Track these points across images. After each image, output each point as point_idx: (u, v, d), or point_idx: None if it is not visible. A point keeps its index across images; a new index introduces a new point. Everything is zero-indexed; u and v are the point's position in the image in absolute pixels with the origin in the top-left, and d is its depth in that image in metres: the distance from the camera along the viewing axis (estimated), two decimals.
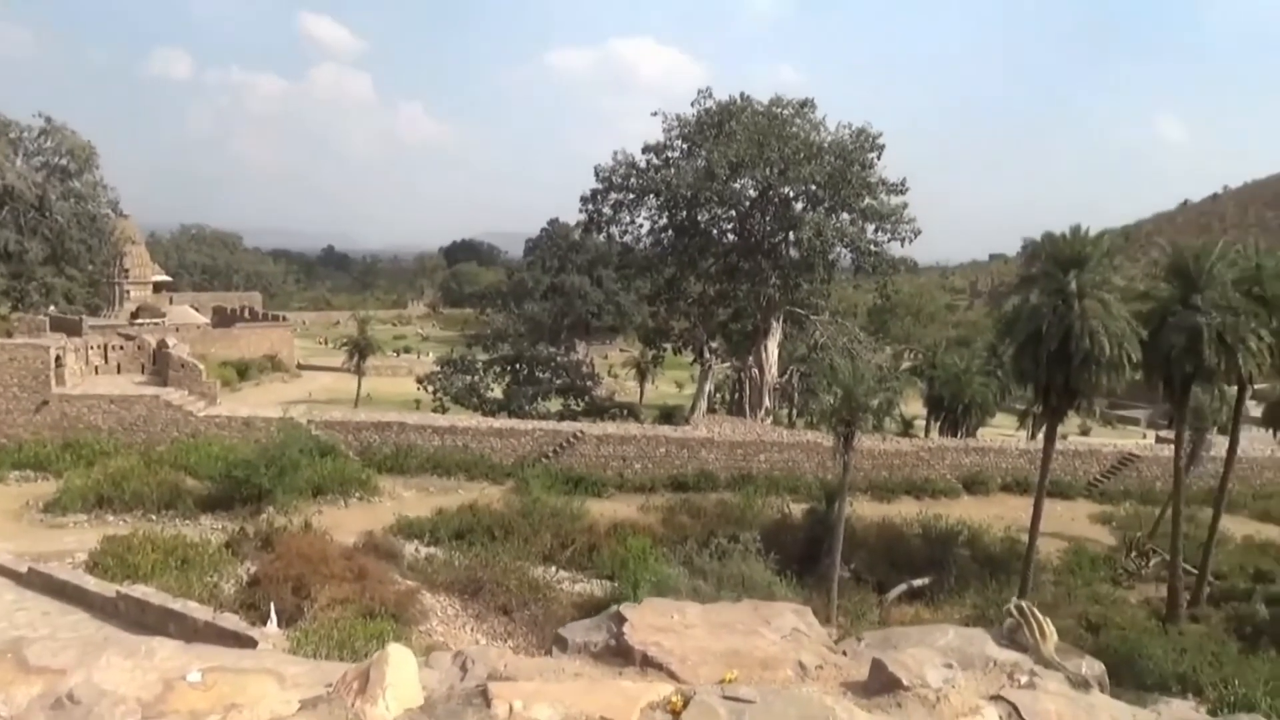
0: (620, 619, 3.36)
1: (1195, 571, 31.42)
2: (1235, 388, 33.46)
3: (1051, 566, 33.05)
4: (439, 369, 59.52)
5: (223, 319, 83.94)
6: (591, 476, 39.33)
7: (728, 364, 57.50)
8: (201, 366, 46.51)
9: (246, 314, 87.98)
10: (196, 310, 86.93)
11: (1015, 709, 2.55)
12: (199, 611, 17.95)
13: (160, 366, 46.47)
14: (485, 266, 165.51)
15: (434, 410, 53.49)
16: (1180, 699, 23.40)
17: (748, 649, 3.06)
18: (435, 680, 3.14)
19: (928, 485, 41.38)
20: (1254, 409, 50.76)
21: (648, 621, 3.32)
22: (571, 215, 65.18)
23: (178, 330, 67.06)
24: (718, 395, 61.49)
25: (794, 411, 59.60)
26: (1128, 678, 24.25)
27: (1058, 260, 30.29)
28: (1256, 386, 37.15)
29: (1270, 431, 51.95)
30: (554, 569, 28.82)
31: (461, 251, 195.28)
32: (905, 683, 2.69)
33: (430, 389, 56.90)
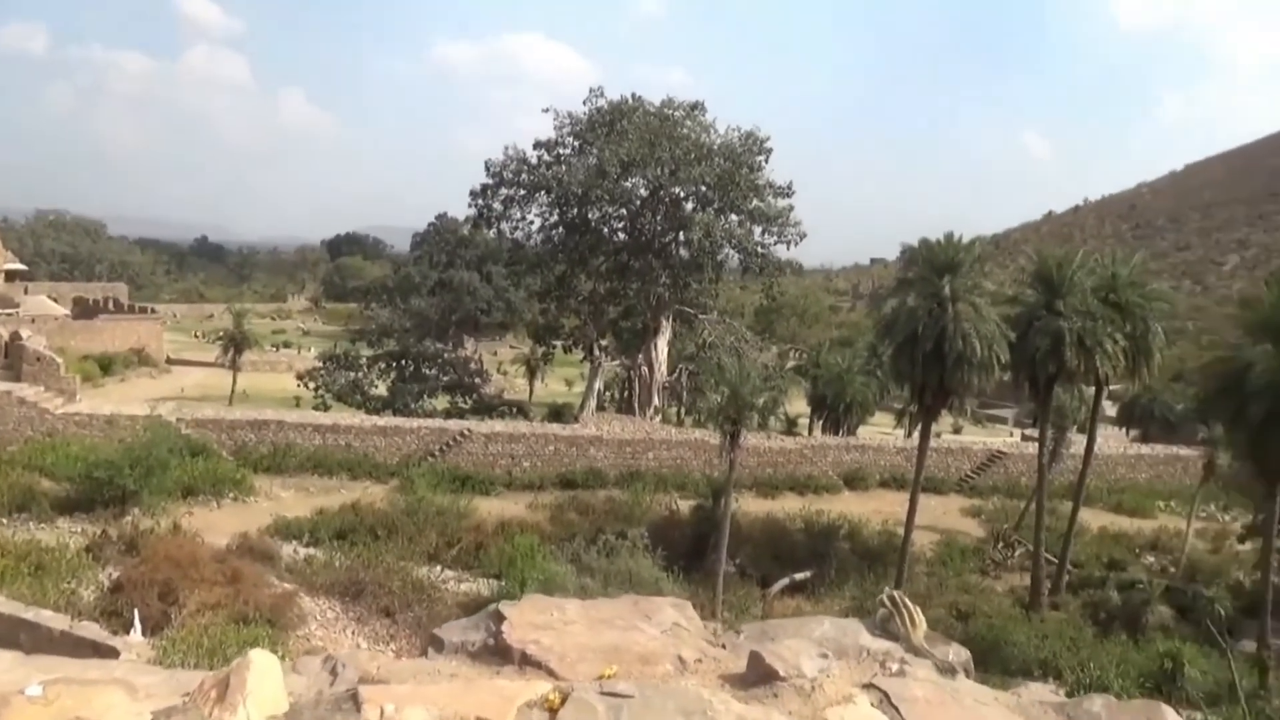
0: (499, 617, 3.30)
1: (1056, 561, 33.23)
2: (1093, 388, 35.57)
3: (925, 558, 34.40)
4: (321, 365, 57.69)
5: (84, 310, 79.11)
6: (479, 475, 38.83)
7: (618, 362, 57.71)
8: (60, 360, 43.76)
9: (111, 306, 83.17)
10: (55, 301, 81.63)
11: (886, 696, 2.61)
12: (54, 620, 16.81)
13: (13, 360, 43.48)
14: (370, 260, 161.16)
15: (315, 408, 51.79)
16: (1041, 682, 24.79)
17: (627, 644, 3.05)
18: (303, 686, 3.00)
19: (810, 482, 42.47)
20: (1110, 409, 54.13)
21: (527, 619, 3.27)
22: (460, 210, 64.26)
23: (33, 322, 62.88)
24: (607, 393, 61.63)
25: (682, 410, 60.27)
26: (994, 663, 25.44)
27: (933, 265, 31.54)
28: (1111, 387, 39.52)
29: (1123, 430, 55.47)
30: (439, 569, 28.29)
31: (345, 245, 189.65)
32: (781, 673, 2.72)
33: (311, 386, 55.08)
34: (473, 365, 59.68)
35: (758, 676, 2.77)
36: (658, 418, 52.13)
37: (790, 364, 62.52)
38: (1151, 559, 36.21)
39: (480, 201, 54.17)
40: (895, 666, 2.82)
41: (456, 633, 3.39)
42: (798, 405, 58.94)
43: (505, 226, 55.64)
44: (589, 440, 41.63)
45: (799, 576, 30.92)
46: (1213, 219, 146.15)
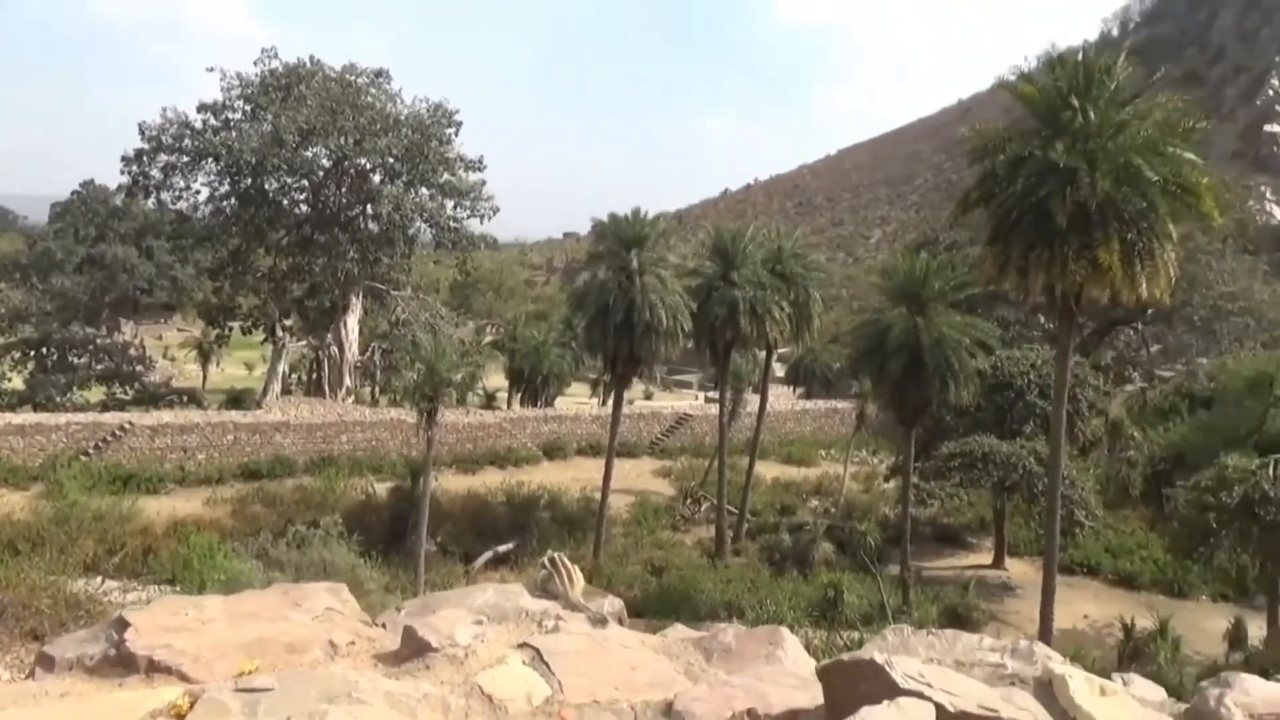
0: (123, 624, 2.91)
1: (737, 512, 36.14)
2: (764, 352, 38.94)
3: (622, 519, 35.99)
4: None
5: None
6: (145, 472, 34.99)
7: (304, 342, 54.39)
8: None
9: None
10: None
11: (538, 652, 2.62)
12: None
13: None
14: None
15: None
16: (727, 622, 26.96)
17: (274, 636, 2.81)
18: None
19: (511, 455, 42.78)
20: (779, 370, 59.53)
21: (157, 623, 2.92)
22: (111, 177, 57.04)
23: None
24: (294, 376, 57.97)
25: (377, 389, 58.18)
26: (686, 610, 27.20)
27: (621, 240, 32.81)
28: (780, 350, 43.50)
29: (791, 388, 61.31)
30: (100, 580, 25.19)
31: None
32: (435, 645, 2.64)
33: None
34: (133, 351, 53.50)
35: (411, 651, 2.66)
36: (350, 399, 49.90)
37: (487, 339, 62.44)
38: (816, 502, 40.37)
39: (135, 168, 48.45)
40: (551, 624, 2.85)
41: (71, 647, 2.95)
42: (496, 379, 59.06)
43: (166, 196, 50.23)
44: (274, 426, 38.96)
45: (502, 549, 31.14)
46: (861, 198, 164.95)
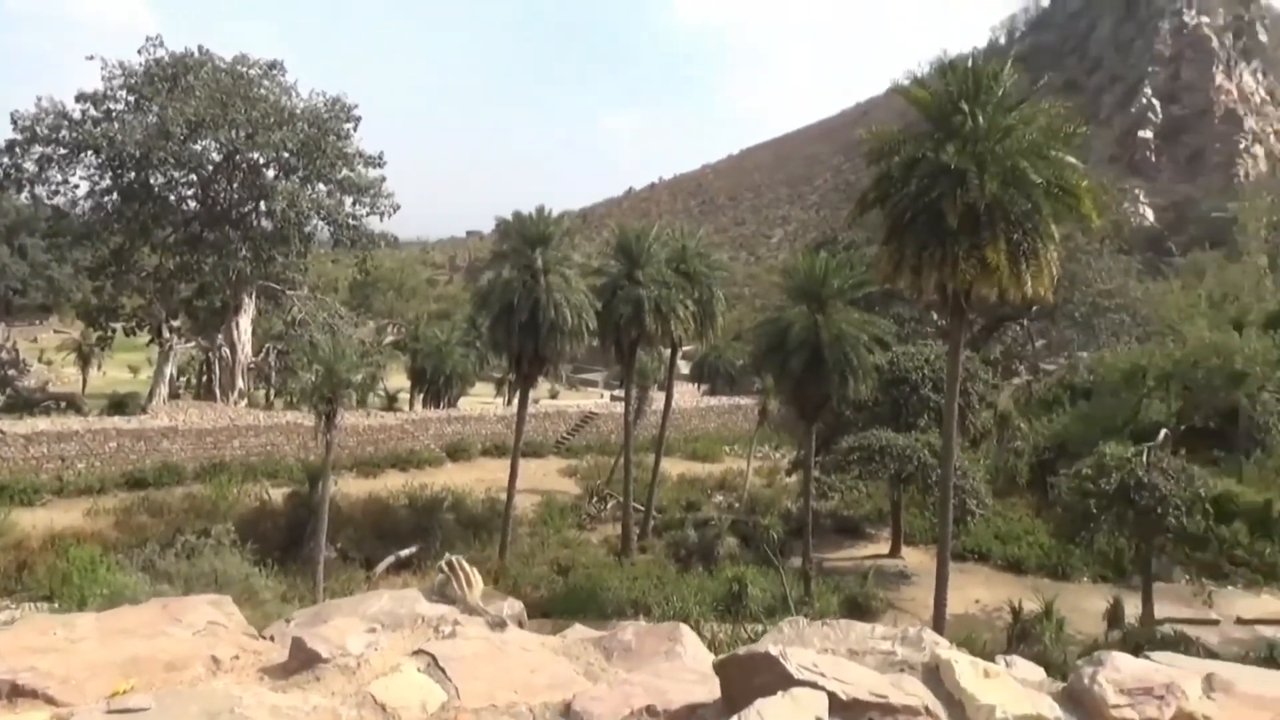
0: None
1: (643, 509, 36.29)
2: (669, 349, 39.22)
3: (528, 519, 35.75)
4: None
5: None
6: (19, 483, 33.06)
7: (193, 344, 52.21)
8: None
9: None
10: None
11: (434, 658, 2.56)
12: None
13: None
14: None
15: None
16: (633, 620, 27.05)
17: (151, 653, 2.67)
18: None
19: (413, 457, 42.05)
20: (684, 367, 60.07)
21: (22, 644, 2.74)
22: None
23: None
24: (183, 379, 55.62)
25: (272, 392, 56.33)
26: (593, 608, 27.22)
27: (525, 238, 32.55)
28: (685, 348, 43.88)
29: (696, 385, 61.99)
30: None
31: None
32: (325, 655, 2.54)
33: None
34: (4, 355, 50.47)
35: (300, 663, 2.56)
36: (243, 402, 48.18)
37: (388, 339, 61.13)
38: (721, 498, 40.88)
39: (7, 160, 45.69)
40: (448, 629, 2.78)
41: None
42: (398, 380, 57.93)
43: (42, 191, 47.53)
44: (160, 432, 37.32)
45: (404, 553, 30.52)
46: (763, 198, 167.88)
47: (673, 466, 43.43)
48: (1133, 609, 26.28)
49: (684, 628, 2.89)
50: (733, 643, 21.94)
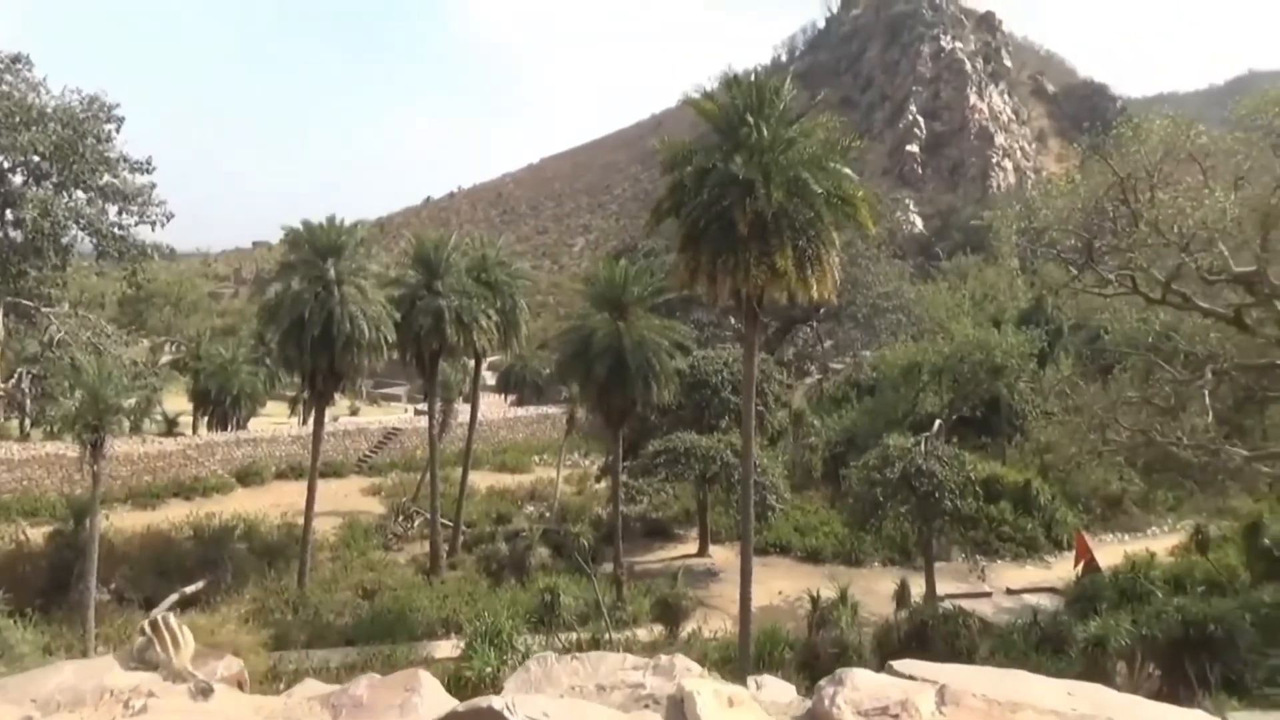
0: None
1: (451, 524, 35.45)
2: (473, 360, 38.55)
3: (329, 544, 34.08)
4: None
5: None
6: None
7: None
8: None
9: None
10: None
11: None
12: None
13: None
14: None
15: None
16: (445, 639, 26.28)
17: None
18: None
19: (199, 484, 39.19)
20: (490, 378, 59.28)
21: None
22: None
23: None
24: None
25: (27, 421, 50.64)
26: (402, 631, 26.30)
27: (316, 248, 31.02)
28: (490, 358, 43.31)
29: (502, 395, 61.33)
30: None
31: None
32: None
33: None
34: None
35: None
36: None
37: (166, 358, 56.56)
38: (531, 508, 40.62)
39: None
40: (140, 703, 2.48)
41: None
42: (178, 403, 53.66)
43: None
44: None
45: (190, 590, 28.30)
46: (563, 206, 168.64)
47: (481, 479, 42.72)
48: (918, 588, 28.29)
49: (423, 674, 2.68)
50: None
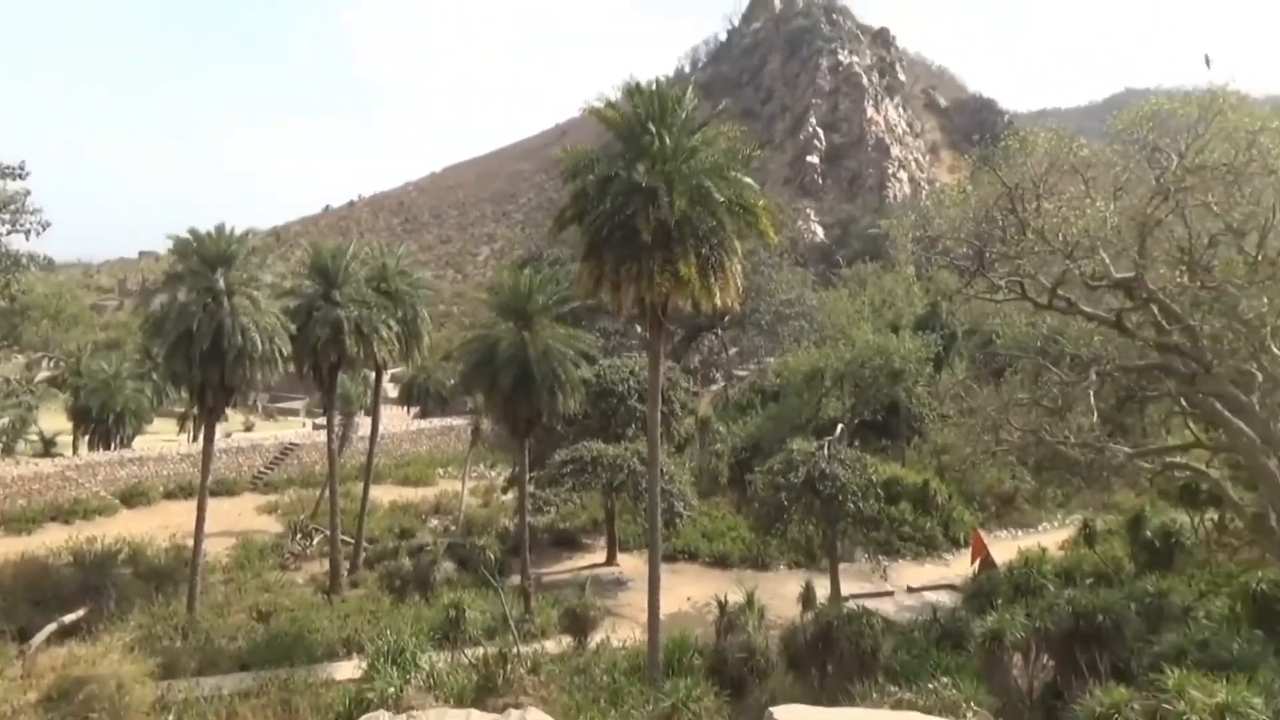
0: None
1: (353, 541, 34.42)
2: (374, 373, 37.56)
3: (222, 566, 32.71)
4: None
5: None
6: None
7: None
8: None
9: None
10: None
11: None
12: None
13: None
14: None
15: None
16: (346, 660, 25.39)
17: None
18: None
19: (79, 507, 37.13)
20: (392, 390, 57.98)
21: None
22: None
23: None
24: None
25: None
26: (300, 653, 25.35)
27: (205, 258, 29.75)
28: (393, 370, 42.31)
29: (405, 408, 60.03)
30: None
31: None
32: None
33: None
34: None
35: None
36: None
37: (44, 374, 53.50)
38: (436, 522, 39.80)
39: None
40: None
41: None
42: (57, 421, 50.79)
43: None
44: None
45: (69, 619, 26.66)
46: (468, 215, 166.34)
47: (384, 494, 41.66)
48: (823, 589, 28.72)
49: None
50: (453, 671, 21.22)
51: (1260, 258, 21.47)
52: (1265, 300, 21.12)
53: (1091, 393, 24.31)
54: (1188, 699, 12.92)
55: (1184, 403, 24.82)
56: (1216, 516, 30.10)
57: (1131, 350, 24.84)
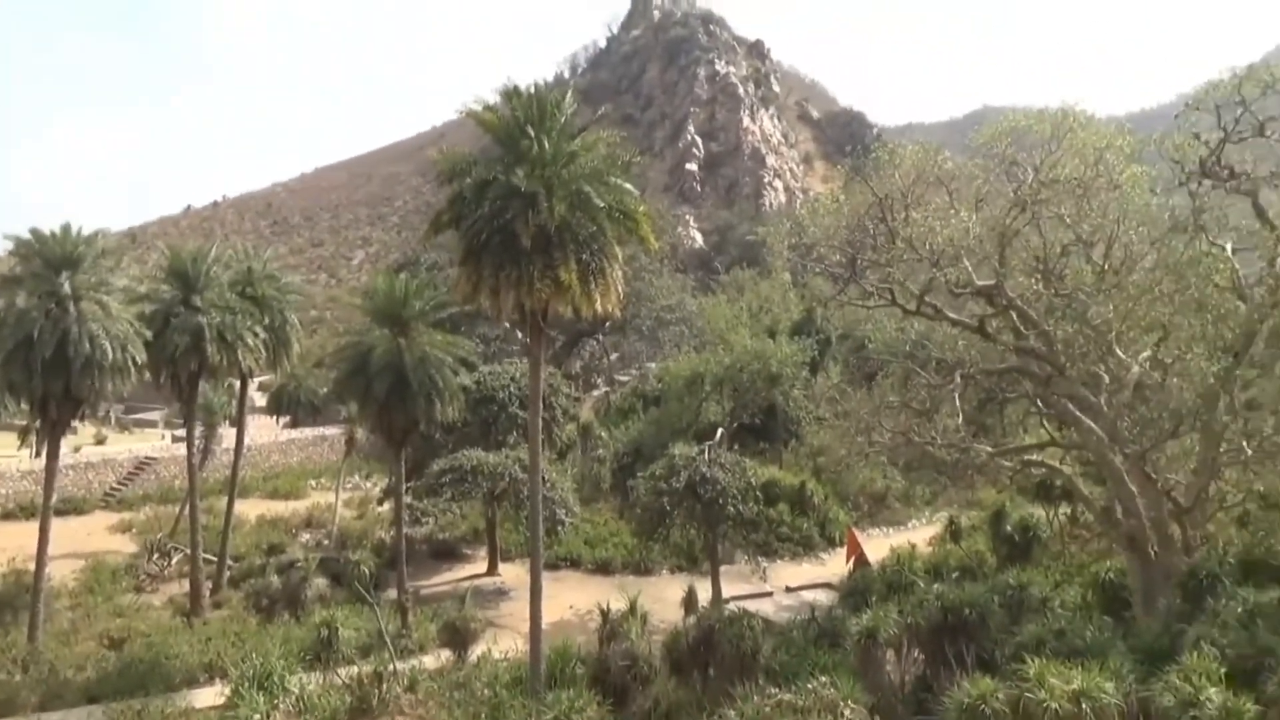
0: None
1: (216, 559, 32.68)
2: (239, 381, 35.80)
3: (69, 590, 30.56)
4: None
5: None
6: None
7: None
8: None
9: None
10: None
11: None
12: None
13: None
14: None
15: None
16: (208, 686, 24.01)
17: None
18: None
19: None
20: (260, 399, 55.47)
21: None
22: None
23: None
24: None
25: None
26: (157, 681, 23.83)
27: (48, 261, 27.75)
28: (260, 378, 40.43)
29: (274, 418, 57.54)
30: None
31: None
32: None
33: None
34: None
35: None
36: None
37: None
38: (308, 536, 38.32)
39: None
40: None
41: None
42: None
43: None
44: None
45: None
46: (341, 218, 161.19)
47: (251, 508, 39.79)
48: (705, 592, 28.94)
49: None
50: (325, 693, 20.33)
51: (1106, 267, 22.84)
52: (1111, 307, 22.46)
53: (956, 395, 25.31)
54: (1047, 687, 13.50)
55: (1039, 403, 26.15)
56: (1069, 511, 31.87)
57: (992, 354, 25.99)
